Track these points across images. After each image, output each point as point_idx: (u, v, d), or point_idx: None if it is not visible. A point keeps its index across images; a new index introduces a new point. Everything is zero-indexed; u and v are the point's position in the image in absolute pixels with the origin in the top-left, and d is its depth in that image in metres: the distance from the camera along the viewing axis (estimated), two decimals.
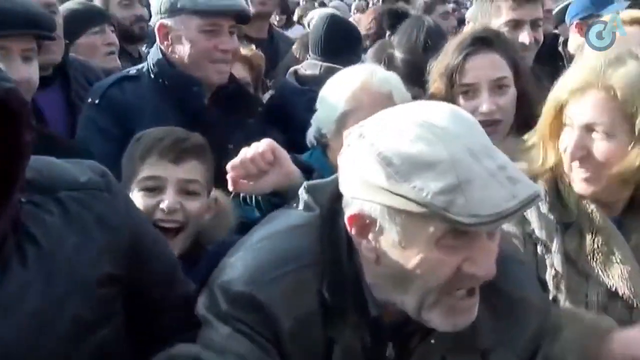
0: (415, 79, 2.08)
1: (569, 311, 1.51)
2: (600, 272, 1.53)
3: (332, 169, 1.59)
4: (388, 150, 1.08)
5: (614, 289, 1.51)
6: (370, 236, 1.15)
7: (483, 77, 1.94)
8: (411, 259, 1.12)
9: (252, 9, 3.06)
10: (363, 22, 3.89)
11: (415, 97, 1.92)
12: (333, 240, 1.22)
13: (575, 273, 1.55)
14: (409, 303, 1.16)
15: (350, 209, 1.16)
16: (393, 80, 1.91)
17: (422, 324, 1.18)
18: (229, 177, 1.53)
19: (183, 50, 2.06)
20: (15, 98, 1.08)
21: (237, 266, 1.21)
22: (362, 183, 1.11)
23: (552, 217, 1.56)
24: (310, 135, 1.98)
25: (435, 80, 2.02)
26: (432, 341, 1.23)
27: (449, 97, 1.92)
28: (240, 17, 2.13)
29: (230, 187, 1.56)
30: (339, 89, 1.88)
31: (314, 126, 1.95)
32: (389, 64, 2.18)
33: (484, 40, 1.98)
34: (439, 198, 1.04)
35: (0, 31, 1.73)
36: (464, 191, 1.03)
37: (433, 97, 1.94)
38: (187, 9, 2.03)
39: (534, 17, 2.39)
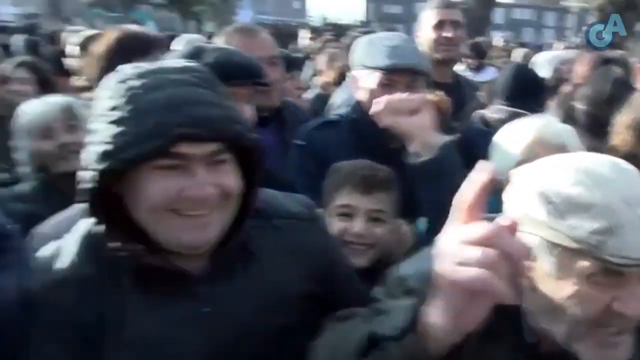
0: (596, 131, 2.14)
1: None
2: None
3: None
4: (549, 190, 1.20)
5: None
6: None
7: None
8: (563, 290, 1.21)
9: (437, 56, 3.30)
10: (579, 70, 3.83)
11: (594, 149, 2.00)
12: None
13: None
14: (560, 332, 1.24)
15: None
16: (567, 133, 2.00)
17: (577, 356, 1.25)
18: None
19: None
20: (257, 146, 1.34)
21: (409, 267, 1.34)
22: (524, 216, 1.22)
23: None
24: None
25: (620, 132, 2.04)
26: None
27: (636, 150, 1.92)
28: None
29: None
30: (515, 139, 2.02)
31: None
32: (570, 115, 2.27)
33: None
34: (592, 237, 1.14)
35: (233, 80, 2.12)
36: (615, 235, 1.13)
37: (613, 149, 1.98)
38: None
39: None
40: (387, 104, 1.96)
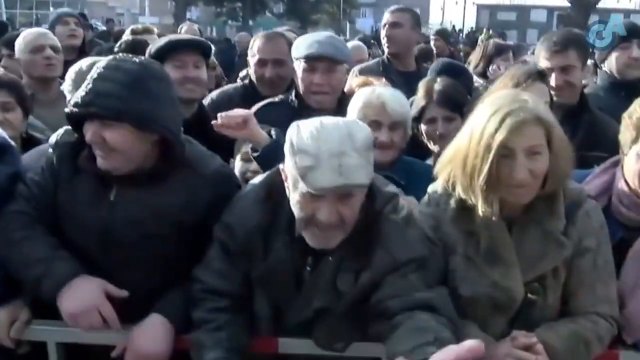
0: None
1: None
2: (487, 268, 1.91)
3: None
4: (294, 139, 1.78)
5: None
6: (287, 184, 1.86)
7: None
8: (294, 200, 1.84)
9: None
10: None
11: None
12: (278, 186, 1.91)
13: (472, 269, 1.93)
14: (297, 225, 1.88)
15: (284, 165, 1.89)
16: (386, 96, 2.50)
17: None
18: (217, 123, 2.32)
19: None
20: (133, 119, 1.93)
21: None
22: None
23: (457, 224, 1.96)
24: None
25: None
26: (330, 258, 1.87)
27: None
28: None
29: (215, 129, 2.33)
30: (353, 104, 2.58)
31: None
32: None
33: None
34: (301, 170, 1.71)
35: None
36: (313, 171, 1.70)
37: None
38: None
39: None
40: (222, 119, 2.34)
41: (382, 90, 2.56)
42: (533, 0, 43.82)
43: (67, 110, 2.00)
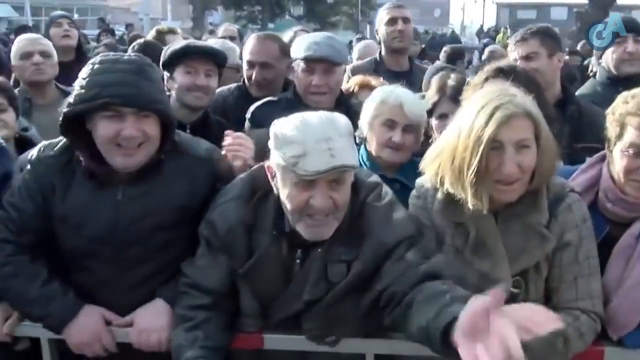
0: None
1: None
2: (474, 260, 1.93)
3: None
4: (278, 132, 1.84)
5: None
6: (275, 180, 1.89)
7: None
8: (284, 193, 1.87)
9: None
10: None
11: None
12: (262, 183, 1.96)
13: (460, 260, 1.94)
14: (290, 219, 1.89)
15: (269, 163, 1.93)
16: (404, 95, 2.55)
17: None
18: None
19: None
20: (161, 110, 2.03)
21: None
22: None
23: (445, 216, 1.99)
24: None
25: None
26: (319, 250, 1.90)
27: None
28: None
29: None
30: (369, 101, 2.63)
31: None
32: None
33: None
34: (290, 159, 1.78)
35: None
36: (303, 158, 1.75)
37: None
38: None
39: None
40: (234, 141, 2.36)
41: (402, 91, 2.60)
42: None
43: (65, 109, 2.02)
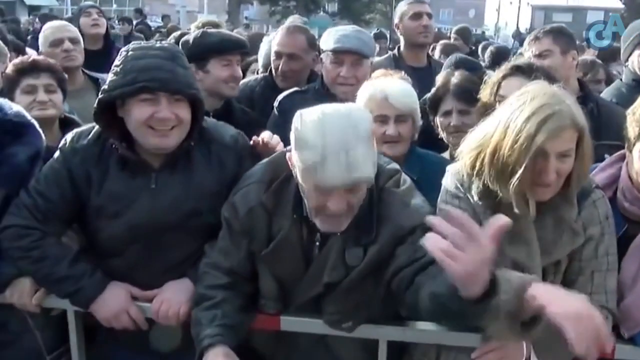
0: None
1: None
2: (509, 248, 1.91)
3: None
4: (297, 131, 1.81)
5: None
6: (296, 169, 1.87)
7: None
8: (303, 189, 1.88)
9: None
10: None
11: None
12: (284, 167, 1.97)
13: None
14: (309, 212, 1.93)
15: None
16: (390, 88, 2.51)
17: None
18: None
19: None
20: (193, 95, 2.10)
21: None
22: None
23: (481, 204, 1.98)
24: None
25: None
26: (337, 234, 1.94)
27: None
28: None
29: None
30: (360, 96, 2.59)
31: None
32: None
33: None
34: (309, 164, 1.75)
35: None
36: (322, 165, 1.72)
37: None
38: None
39: None
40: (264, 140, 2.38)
41: (384, 84, 2.56)
42: (590, 2, 42.59)
43: (100, 95, 2.09)
